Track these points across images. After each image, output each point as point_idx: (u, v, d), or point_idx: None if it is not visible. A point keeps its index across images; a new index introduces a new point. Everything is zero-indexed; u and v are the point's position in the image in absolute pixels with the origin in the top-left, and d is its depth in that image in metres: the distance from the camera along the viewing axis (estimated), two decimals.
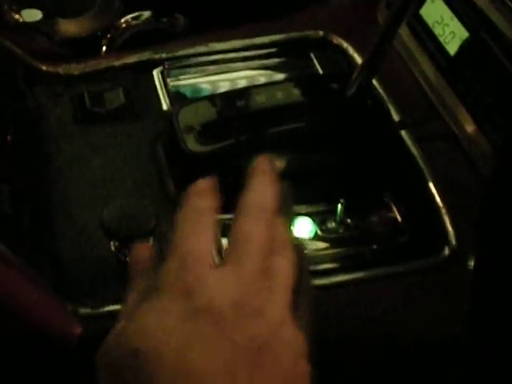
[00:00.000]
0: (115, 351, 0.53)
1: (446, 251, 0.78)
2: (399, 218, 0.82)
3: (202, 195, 0.63)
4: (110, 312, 0.72)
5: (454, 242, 0.79)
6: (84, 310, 0.72)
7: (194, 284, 0.53)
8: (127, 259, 0.76)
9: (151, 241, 0.77)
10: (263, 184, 0.59)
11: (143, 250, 0.64)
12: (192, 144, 0.82)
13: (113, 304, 0.73)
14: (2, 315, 0.69)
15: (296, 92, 0.88)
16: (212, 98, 0.89)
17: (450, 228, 0.80)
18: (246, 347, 0.51)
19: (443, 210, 0.81)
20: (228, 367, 0.50)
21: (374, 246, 0.79)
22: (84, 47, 1.08)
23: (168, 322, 0.52)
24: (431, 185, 0.83)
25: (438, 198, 0.82)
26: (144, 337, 0.52)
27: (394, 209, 0.83)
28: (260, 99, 0.87)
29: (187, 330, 0.51)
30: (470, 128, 0.87)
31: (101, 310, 0.73)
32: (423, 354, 0.74)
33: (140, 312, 0.54)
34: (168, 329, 0.52)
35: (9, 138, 0.82)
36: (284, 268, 0.55)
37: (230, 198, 0.76)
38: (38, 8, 1.05)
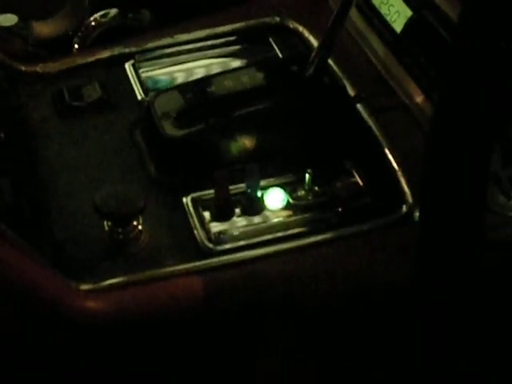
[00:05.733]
0: None
1: (404, 209, 0.87)
2: (360, 183, 0.91)
3: None
4: (110, 285, 0.80)
5: (410, 200, 0.88)
6: (86, 286, 0.80)
7: None
8: (120, 237, 0.84)
9: (141, 219, 0.85)
10: None
11: None
12: (169, 129, 0.91)
13: (111, 278, 0.81)
14: (11, 296, 0.76)
15: (259, 76, 0.96)
16: (184, 86, 0.97)
17: (406, 189, 0.89)
18: None
19: (399, 173, 0.90)
20: None
21: (340, 209, 0.88)
22: (57, 46, 1.15)
23: None
24: (387, 151, 0.92)
25: (393, 162, 0.91)
26: None
27: (356, 174, 0.91)
28: (228, 84, 0.95)
29: None
30: (418, 98, 0.96)
31: (101, 284, 0.80)
32: (386, 302, 0.84)
33: None
34: None
35: (2, 135, 0.90)
36: None
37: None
38: (12, 12, 1.11)
